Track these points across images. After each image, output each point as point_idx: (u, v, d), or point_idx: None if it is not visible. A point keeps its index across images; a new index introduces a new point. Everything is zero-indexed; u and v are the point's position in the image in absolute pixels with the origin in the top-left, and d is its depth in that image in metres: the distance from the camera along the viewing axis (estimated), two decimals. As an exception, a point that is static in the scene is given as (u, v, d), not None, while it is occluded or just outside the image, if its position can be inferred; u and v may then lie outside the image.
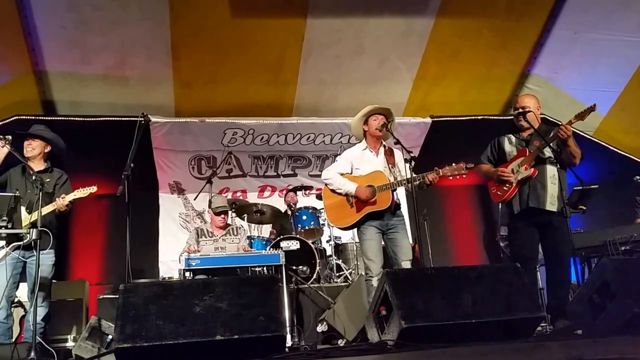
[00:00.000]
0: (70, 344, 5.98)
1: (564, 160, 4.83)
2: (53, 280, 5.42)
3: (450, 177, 4.75)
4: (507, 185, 4.89)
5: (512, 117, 5.25)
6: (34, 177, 4.88)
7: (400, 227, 4.96)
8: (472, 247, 9.12)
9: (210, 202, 6.59)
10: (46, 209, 5.04)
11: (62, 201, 5.13)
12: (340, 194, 5.05)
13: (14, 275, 5.07)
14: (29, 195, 5.17)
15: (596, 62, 8.04)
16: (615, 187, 8.14)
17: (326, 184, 5.18)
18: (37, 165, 5.35)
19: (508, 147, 5.06)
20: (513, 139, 5.09)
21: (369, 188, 4.87)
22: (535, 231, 4.86)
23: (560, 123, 4.75)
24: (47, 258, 5.14)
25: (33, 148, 5.38)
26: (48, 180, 5.25)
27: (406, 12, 7.38)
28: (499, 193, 4.98)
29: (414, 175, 4.68)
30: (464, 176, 4.74)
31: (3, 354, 4.58)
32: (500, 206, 5.11)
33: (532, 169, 4.78)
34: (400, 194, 5.41)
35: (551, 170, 4.81)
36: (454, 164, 4.72)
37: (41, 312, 5.08)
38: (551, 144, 4.73)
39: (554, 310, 4.69)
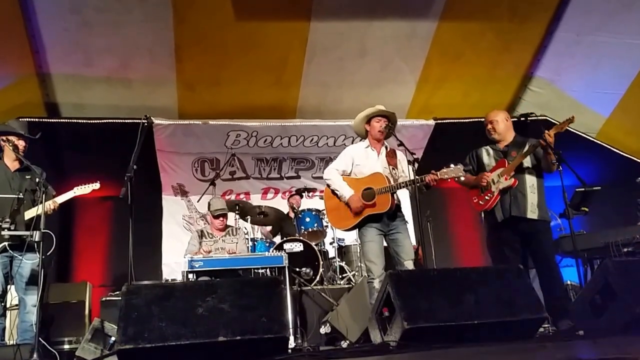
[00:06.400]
0: (73, 345, 5.98)
1: (542, 168, 4.98)
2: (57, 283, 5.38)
3: (449, 180, 4.77)
4: (489, 194, 4.98)
5: (515, 120, 5.29)
6: (30, 178, 4.82)
7: (402, 227, 4.97)
8: (475, 248, 9.09)
9: (209, 204, 6.59)
10: (31, 213, 4.95)
11: (53, 204, 5.05)
12: (337, 196, 5.08)
13: (4, 274, 5.01)
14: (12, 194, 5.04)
15: (599, 64, 8.02)
16: (618, 188, 8.10)
17: (327, 184, 5.20)
18: (14, 164, 5.24)
19: (486, 159, 5.17)
20: (491, 150, 5.20)
21: (360, 200, 4.89)
22: (517, 238, 4.95)
23: (544, 133, 4.86)
24: (35, 256, 4.90)
25: (25, 146, 5.26)
26: (29, 177, 5.16)
27: (409, 15, 7.40)
28: (480, 202, 5.08)
29: (414, 177, 4.69)
30: (462, 179, 4.84)
31: (5, 356, 4.58)
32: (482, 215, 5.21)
33: (513, 179, 4.91)
34: (403, 194, 5.41)
35: (530, 180, 4.96)
36: (452, 165, 4.74)
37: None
38: (530, 155, 4.92)
39: (554, 310, 4.69)
